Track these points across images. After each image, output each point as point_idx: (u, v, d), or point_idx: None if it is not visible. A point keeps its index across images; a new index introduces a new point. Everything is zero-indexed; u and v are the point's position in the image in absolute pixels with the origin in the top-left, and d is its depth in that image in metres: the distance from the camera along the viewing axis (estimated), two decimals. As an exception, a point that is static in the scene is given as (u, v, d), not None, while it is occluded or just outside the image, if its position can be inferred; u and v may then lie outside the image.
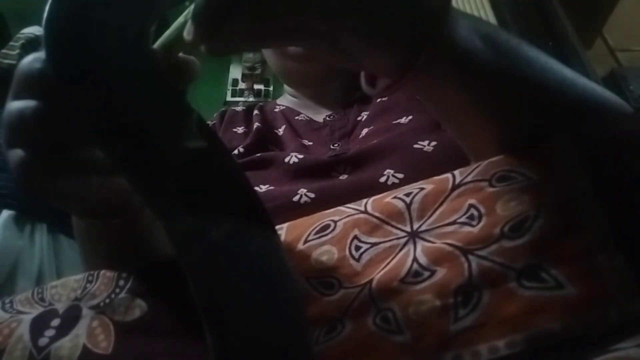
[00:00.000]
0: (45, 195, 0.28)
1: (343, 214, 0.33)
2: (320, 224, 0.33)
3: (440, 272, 0.26)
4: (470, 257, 0.26)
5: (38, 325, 0.30)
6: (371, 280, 0.28)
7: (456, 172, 0.31)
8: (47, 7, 0.22)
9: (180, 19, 0.27)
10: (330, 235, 0.32)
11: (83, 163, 0.27)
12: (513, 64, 0.30)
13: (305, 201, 0.46)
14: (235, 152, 0.60)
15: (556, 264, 0.24)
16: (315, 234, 0.33)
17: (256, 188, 0.50)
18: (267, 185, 0.51)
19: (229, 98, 1.61)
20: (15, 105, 0.25)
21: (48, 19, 0.22)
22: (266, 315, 0.24)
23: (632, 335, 0.20)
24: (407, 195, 0.32)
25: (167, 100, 0.25)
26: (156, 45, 0.27)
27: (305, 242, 0.33)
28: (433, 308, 0.25)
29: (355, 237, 0.31)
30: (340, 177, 0.50)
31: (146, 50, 0.25)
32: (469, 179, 0.30)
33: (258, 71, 1.64)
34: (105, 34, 0.23)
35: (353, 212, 0.33)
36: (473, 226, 0.27)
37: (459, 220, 0.28)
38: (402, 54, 0.26)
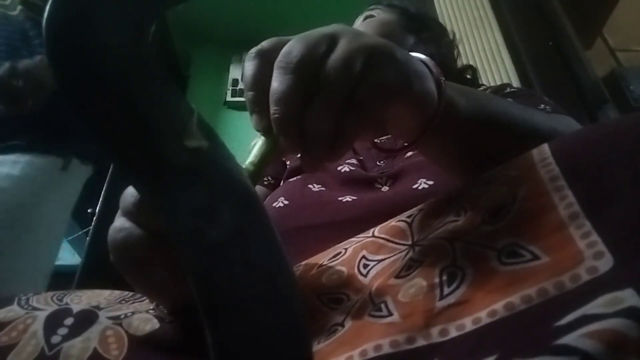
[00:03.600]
0: (130, 275, 0.31)
1: (353, 242, 0.36)
2: (333, 253, 0.36)
3: (429, 260, 0.28)
4: (455, 242, 0.28)
5: (52, 323, 0.31)
6: (372, 286, 0.30)
7: (452, 192, 0.34)
8: (47, 8, 0.22)
9: (259, 144, 0.31)
10: (341, 259, 0.35)
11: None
12: (493, 119, 0.39)
13: (348, 201, 0.53)
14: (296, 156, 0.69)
15: (532, 240, 0.25)
16: (328, 260, 0.36)
17: (310, 186, 0.58)
18: (320, 186, 0.58)
19: (229, 98, 1.61)
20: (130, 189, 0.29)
21: (48, 19, 0.22)
22: (266, 315, 0.24)
23: (602, 293, 0.21)
24: (409, 217, 0.35)
25: (167, 100, 0.25)
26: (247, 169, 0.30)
27: (319, 267, 0.36)
28: (420, 288, 0.27)
29: (364, 256, 0.34)
30: (382, 189, 0.57)
31: (146, 50, 0.25)
32: (460, 191, 0.33)
33: (258, 71, 1.64)
34: (106, 34, 0.23)
35: (362, 238, 0.36)
36: (458, 221, 0.30)
37: (449, 221, 0.30)
38: (426, 117, 0.34)
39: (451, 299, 0.26)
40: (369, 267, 0.33)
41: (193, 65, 1.72)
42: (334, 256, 0.36)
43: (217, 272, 0.24)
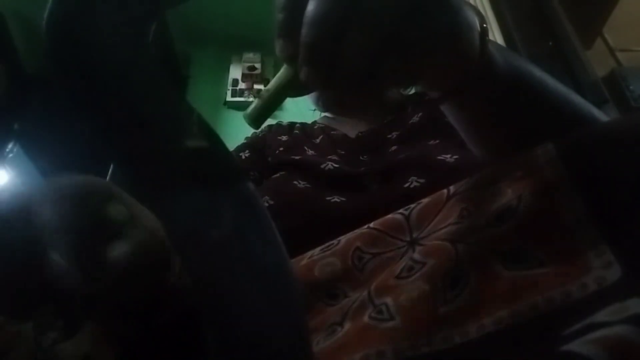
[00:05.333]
0: None
1: (348, 235, 0.35)
2: (326, 244, 0.35)
3: (431, 262, 0.28)
4: (458, 245, 0.27)
5: (43, 325, 0.30)
6: (370, 285, 0.29)
7: (451, 187, 0.33)
8: (47, 7, 0.22)
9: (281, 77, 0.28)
10: (333, 249, 0.34)
11: None
12: (528, 84, 0.35)
13: (336, 201, 0.50)
14: (277, 151, 0.66)
15: (538, 245, 0.25)
16: (319, 251, 0.35)
17: (295, 182, 0.55)
18: (305, 183, 0.55)
19: (229, 98, 1.61)
20: None
21: (49, 18, 0.22)
22: (267, 315, 0.24)
23: (609, 302, 0.21)
24: (406, 209, 0.34)
25: (167, 100, 0.25)
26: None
27: (310, 258, 0.34)
28: (422, 292, 0.26)
29: (358, 248, 0.33)
30: (371, 188, 0.55)
31: (146, 50, 0.25)
32: (461, 189, 0.32)
33: (258, 71, 1.64)
34: (106, 34, 0.23)
35: (357, 231, 0.35)
36: (463, 223, 0.29)
37: (452, 222, 0.30)
38: (465, 70, 0.31)
39: (455, 304, 0.25)
40: (364, 261, 0.32)
41: (193, 65, 1.72)
42: (327, 247, 0.34)
43: (217, 272, 0.24)
